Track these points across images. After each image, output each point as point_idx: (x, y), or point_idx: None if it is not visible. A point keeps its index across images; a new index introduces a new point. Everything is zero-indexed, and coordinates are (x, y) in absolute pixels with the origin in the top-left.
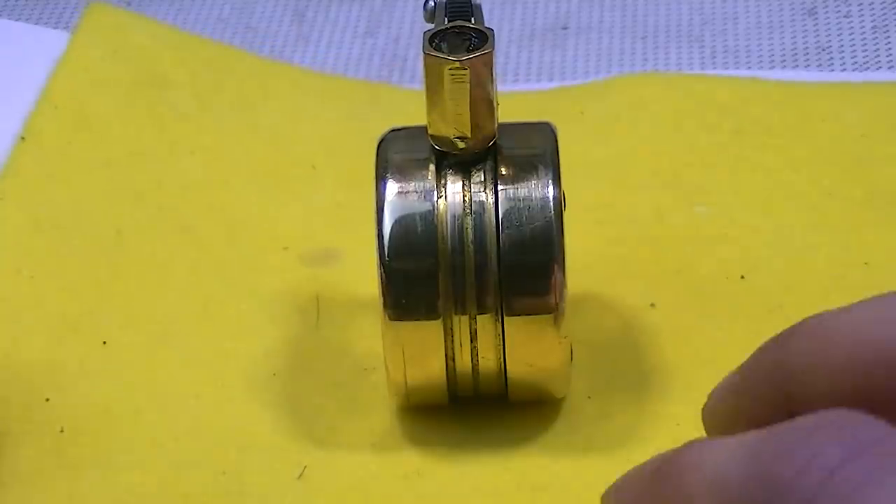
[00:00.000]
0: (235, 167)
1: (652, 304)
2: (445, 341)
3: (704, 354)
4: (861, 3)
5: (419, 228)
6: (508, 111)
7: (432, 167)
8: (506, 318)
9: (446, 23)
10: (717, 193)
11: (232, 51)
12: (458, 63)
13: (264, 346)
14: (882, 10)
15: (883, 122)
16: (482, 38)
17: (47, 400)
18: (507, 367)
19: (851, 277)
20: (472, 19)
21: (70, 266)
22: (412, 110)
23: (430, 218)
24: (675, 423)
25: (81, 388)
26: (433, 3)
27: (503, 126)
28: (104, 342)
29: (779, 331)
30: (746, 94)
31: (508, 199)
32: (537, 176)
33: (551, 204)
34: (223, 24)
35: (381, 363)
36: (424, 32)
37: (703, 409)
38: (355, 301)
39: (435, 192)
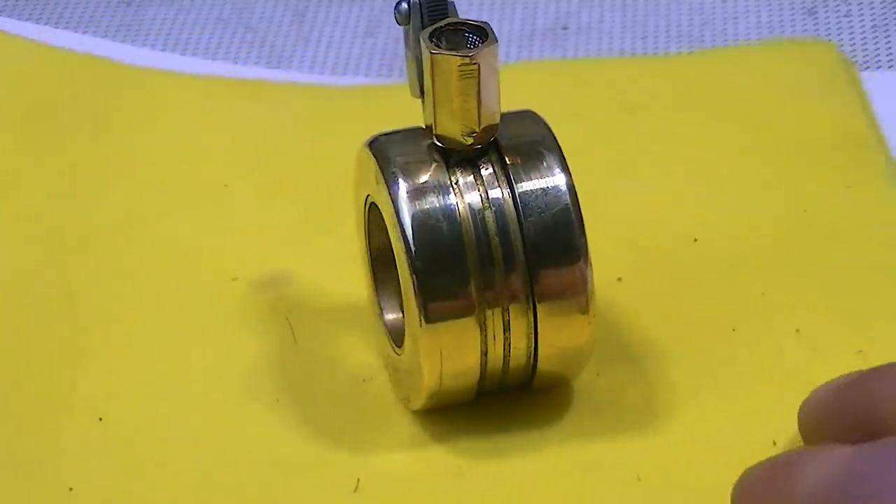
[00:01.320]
0: (152, 196)
1: (619, 279)
2: (481, 337)
3: (683, 318)
4: (861, 3)
5: (444, 228)
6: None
7: (441, 166)
8: (538, 305)
9: (424, 23)
10: (642, 168)
11: (115, 65)
12: (467, 58)
13: (255, 375)
14: (882, 9)
15: (774, 82)
16: (481, 33)
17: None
18: (539, 354)
19: (794, 226)
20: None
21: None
22: (299, 107)
23: (453, 216)
24: (686, 390)
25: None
26: (406, 5)
27: None
28: (100, 419)
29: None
30: (637, 72)
31: (524, 188)
32: (545, 162)
33: (566, 188)
34: (223, 24)
35: (376, 372)
36: (422, 32)
37: (798, 414)
38: (326, 317)
39: (451, 191)
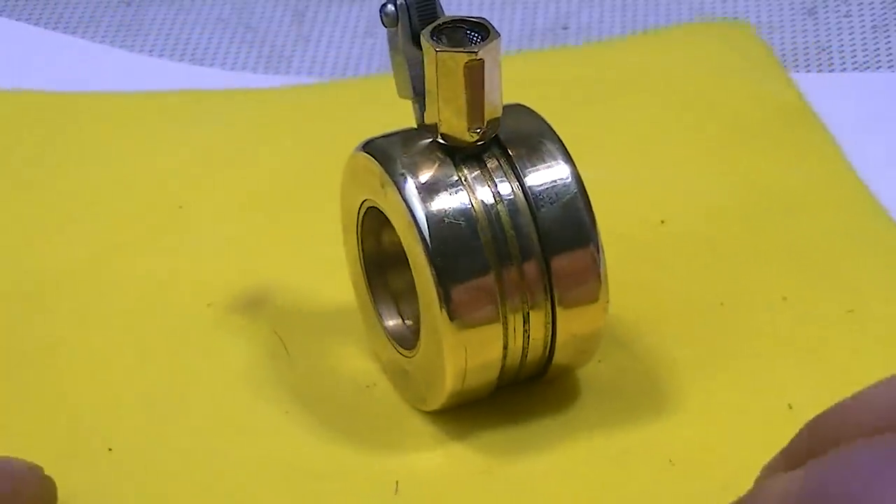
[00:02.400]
0: (110, 229)
1: None
2: (503, 331)
3: (668, 299)
4: (861, 3)
5: (462, 225)
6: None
7: (448, 163)
8: (556, 295)
9: (413, 24)
10: (597, 156)
11: (50, 97)
12: (473, 54)
13: (257, 393)
14: (882, 9)
15: (704, 63)
16: (480, 29)
17: None
18: (556, 343)
19: (756, 201)
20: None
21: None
22: (242, 116)
23: (468, 213)
24: (690, 367)
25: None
26: (393, 7)
27: None
28: (109, 448)
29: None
30: (567, 61)
31: (532, 180)
32: (549, 153)
33: (573, 177)
34: (223, 24)
35: (378, 377)
36: (422, 31)
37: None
38: (314, 327)
39: (463, 187)
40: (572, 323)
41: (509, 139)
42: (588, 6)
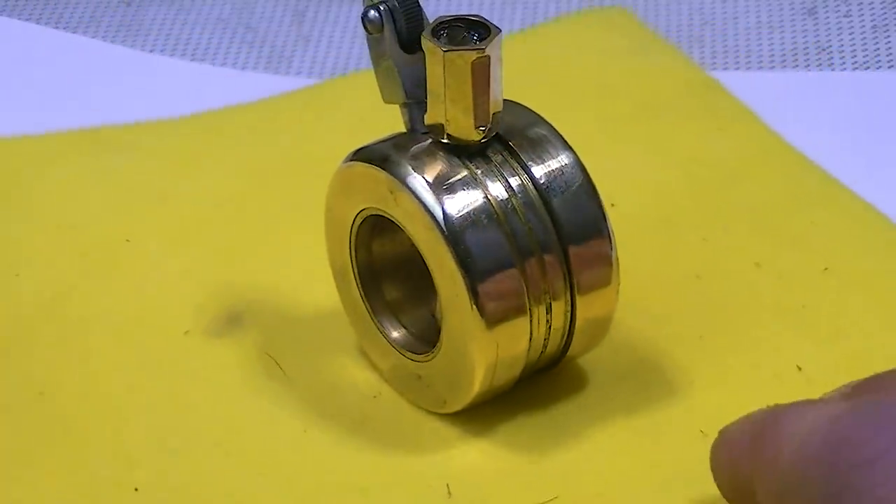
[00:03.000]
0: (59, 270)
1: None
2: (529, 324)
3: (642, 277)
4: (861, 3)
5: (484, 222)
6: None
7: (456, 162)
8: (574, 282)
9: (399, 28)
10: None
11: None
12: (481, 51)
13: (266, 415)
14: (882, 9)
15: (599, 49)
16: (477, 25)
17: None
18: (574, 331)
19: (695, 174)
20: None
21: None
22: (165, 145)
23: (488, 210)
24: (688, 340)
25: None
26: (377, 13)
27: None
28: (136, 489)
29: None
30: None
31: (540, 171)
32: (549, 144)
33: (578, 164)
34: (223, 24)
35: (380, 387)
36: (423, 34)
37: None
38: (302, 345)
39: (476, 185)
40: (589, 309)
41: (508, 133)
42: (588, 6)
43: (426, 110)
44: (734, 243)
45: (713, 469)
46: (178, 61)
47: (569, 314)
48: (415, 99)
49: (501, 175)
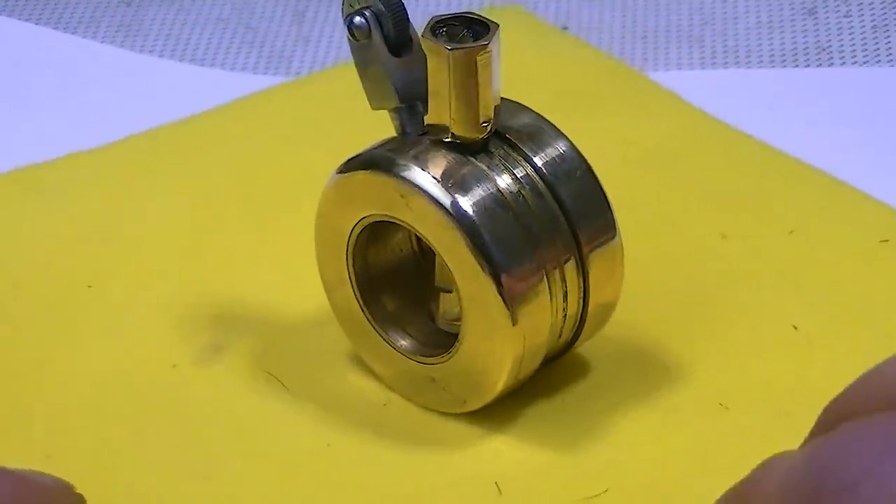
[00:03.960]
0: (24, 321)
1: None
2: (550, 316)
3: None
4: (861, 3)
5: (502, 217)
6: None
7: (462, 159)
8: (586, 269)
9: (387, 33)
10: None
11: None
12: (485, 46)
13: (291, 435)
14: (882, 9)
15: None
16: (473, 21)
17: None
18: (588, 315)
19: (631, 162)
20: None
21: None
22: (98, 179)
23: (503, 203)
24: (679, 317)
25: None
26: (363, 19)
27: None
28: None
29: None
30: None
31: (543, 161)
32: (547, 134)
33: (576, 151)
34: (223, 24)
35: (386, 394)
36: (423, 35)
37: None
38: (297, 361)
39: (487, 180)
40: (600, 294)
41: (504, 127)
42: (588, 6)
43: (420, 112)
44: (694, 218)
45: None
46: (177, 63)
47: (581, 300)
48: (407, 102)
49: (507, 168)
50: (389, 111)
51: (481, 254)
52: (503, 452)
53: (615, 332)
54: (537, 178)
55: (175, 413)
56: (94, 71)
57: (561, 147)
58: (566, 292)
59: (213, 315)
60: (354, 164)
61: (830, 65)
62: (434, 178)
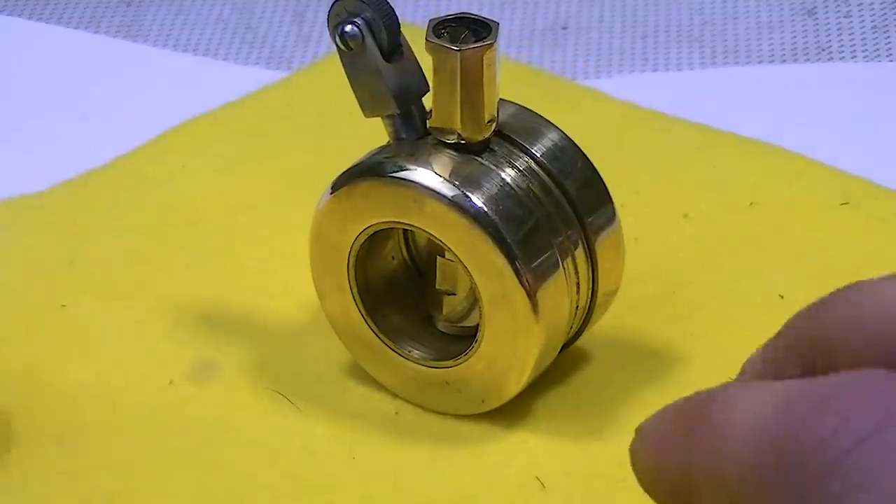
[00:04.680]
0: (12, 354)
1: None
2: (568, 308)
3: None
4: (861, 3)
5: (519, 213)
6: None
7: (469, 158)
8: (596, 257)
9: (378, 39)
10: None
11: None
12: (491, 45)
13: (303, 451)
14: (882, 9)
15: None
16: (471, 21)
17: None
18: (596, 302)
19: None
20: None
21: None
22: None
23: (518, 199)
24: (655, 299)
25: None
26: (356, 28)
27: None
28: None
29: None
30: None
31: (544, 154)
32: (544, 129)
33: (572, 143)
34: (223, 24)
35: (396, 403)
36: (427, 40)
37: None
38: (296, 373)
39: (498, 177)
40: (606, 283)
41: (503, 125)
42: (588, 6)
43: (415, 115)
44: (651, 202)
45: (638, 475)
46: (179, 55)
47: (590, 289)
48: (403, 107)
49: (512, 165)
50: (383, 118)
51: (504, 251)
52: (532, 447)
53: (602, 321)
54: (541, 172)
55: (184, 434)
56: (95, 68)
57: (557, 140)
58: (578, 283)
59: (197, 330)
60: (355, 175)
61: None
62: (447, 179)
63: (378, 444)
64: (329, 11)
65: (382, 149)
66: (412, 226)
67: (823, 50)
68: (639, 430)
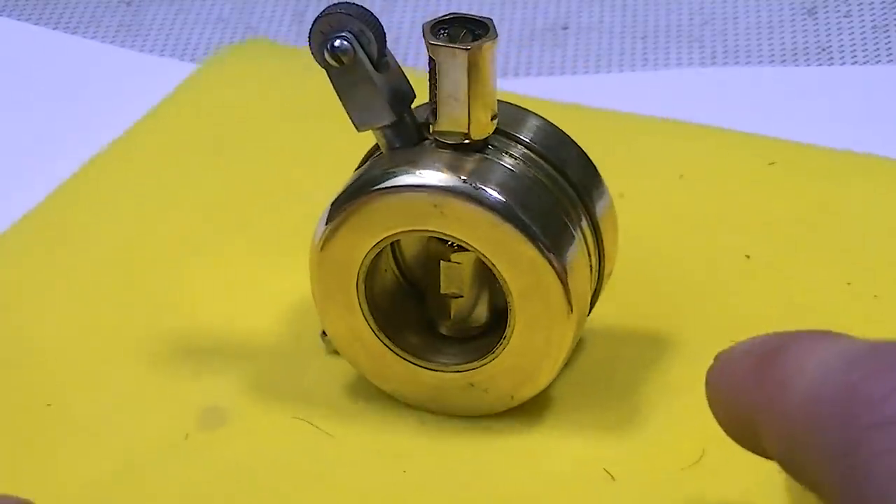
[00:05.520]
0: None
1: None
2: (591, 294)
3: None
4: (861, 3)
5: (540, 202)
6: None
7: (477, 157)
8: (601, 237)
9: (366, 48)
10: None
11: None
12: (494, 41)
13: (351, 479)
14: (882, 9)
15: (252, 83)
16: (467, 20)
17: None
18: (601, 285)
19: None
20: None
21: None
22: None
23: (535, 190)
24: (650, 286)
25: None
26: (346, 42)
27: None
28: None
29: None
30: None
31: (542, 145)
32: (534, 120)
33: (561, 131)
34: (223, 24)
35: (418, 413)
36: (430, 42)
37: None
38: (310, 403)
39: (513, 169)
40: (608, 265)
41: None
42: (588, 6)
43: (408, 122)
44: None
45: (710, 400)
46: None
47: (598, 272)
48: (398, 116)
49: (514, 157)
50: (375, 130)
51: (535, 243)
52: (584, 439)
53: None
54: (542, 161)
55: (227, 477)
56: (94, 71)
57: (548, 129)
58: (591, 266)
59: (196, 375)
60: (361, 191)
61: (830, 65)
62: (463, 179)
63: (423, 455)
64: (310, 31)
65: (376, 161)
66: (430, 231)
67: (823, 50)
68: (718, 358)
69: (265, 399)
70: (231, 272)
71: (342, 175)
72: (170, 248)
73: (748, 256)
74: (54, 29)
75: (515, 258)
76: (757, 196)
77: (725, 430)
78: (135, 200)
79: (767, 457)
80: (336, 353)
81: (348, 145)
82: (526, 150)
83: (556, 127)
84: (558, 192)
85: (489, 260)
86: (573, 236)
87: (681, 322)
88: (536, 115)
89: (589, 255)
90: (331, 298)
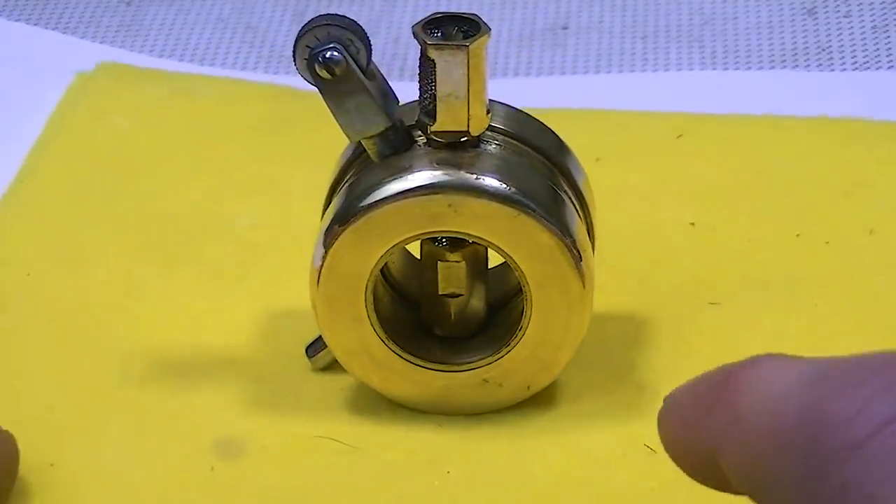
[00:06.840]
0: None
1: None
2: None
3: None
4: (861, 3)
5: (546, 187)
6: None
7: (477, 151)
8: (589, 212)
9: (357, 59)
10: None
11: None
12: (488, 35)
13: (387, 492)
14: (882, 9)
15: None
16: (458, 19)
17: None
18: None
19: None
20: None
21: None
22: None
23: (539, 177)
24: (640, 279)
25: None
26: (338, 53)
27: None
28: None
29: None
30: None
31: (523, 132)
32: (508, 110)
33: (531, 117)
34: (223, 24)
35: (433, 417)
36: (427, 43)
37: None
38: (322, 420)
39: (515, 160)
40: (595, 241)
41: None
42: (588, 6)
43: (399, 128)
44: None
45: (665, 443)
46: (177, 63)
47: (592, 239)
48: (392, 121)
49: (506, 148)
50: (366, 140)
51: (552, 230)
52: (611, 425)
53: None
54: (526, 147)
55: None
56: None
57: (520, 116)
58: (591, 245)
59: (193, 410)
60: (367, 201)
61: (830, 65)
62: (475, 175)
63: (455, 455)
64: (295, 45)
65: (371, 169)
66: (443, 231)
67: (823, 50)
68: (666, 400)
69: (274, 423)
70: (186, 302)
71: (262, 193)
72: (115, 290)
73: (693, 224)
74: (54, 29)
75: (534, 248)
76: (685, 167)
77: (687, 472)
78: (52, 248)
79: (734, 492)
80: (323, 369)
81: (249, 164)
82: (510, 140)
83: (528, 114)
84: (551, 176)
85: (506, 253)
86: (580, 219)
87: (657, 296)
88: (506, 105)
89: (588, 234)
90: (338, 313)
